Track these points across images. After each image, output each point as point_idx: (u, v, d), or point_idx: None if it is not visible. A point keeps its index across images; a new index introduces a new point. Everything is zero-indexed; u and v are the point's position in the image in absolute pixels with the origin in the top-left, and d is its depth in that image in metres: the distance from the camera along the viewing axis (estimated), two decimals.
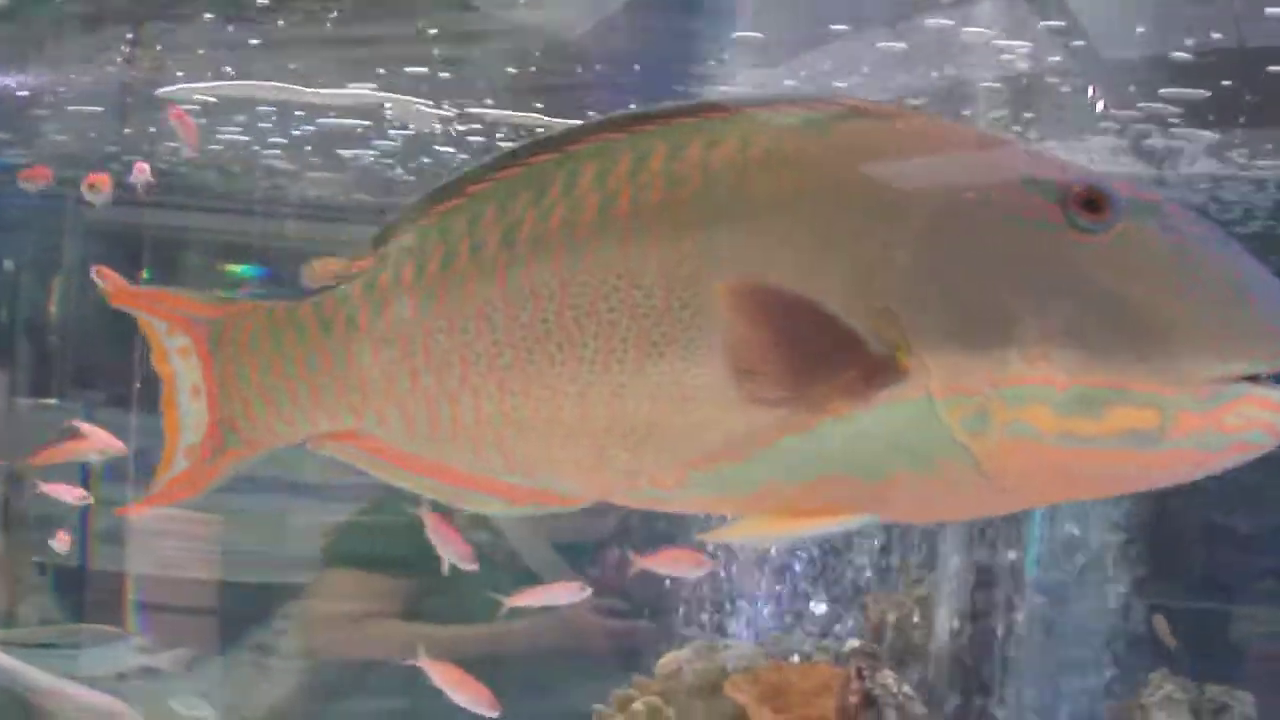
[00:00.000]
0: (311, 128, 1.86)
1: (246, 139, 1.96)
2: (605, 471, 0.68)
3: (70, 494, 1.65)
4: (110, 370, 2.14)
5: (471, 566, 1.34)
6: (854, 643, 1.03)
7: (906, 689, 1.03)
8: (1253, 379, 0.57)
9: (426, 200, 0.72)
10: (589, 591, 1.19)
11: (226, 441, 0.76)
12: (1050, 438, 0.58)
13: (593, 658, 1.77)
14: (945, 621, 1.13)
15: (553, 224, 0.67)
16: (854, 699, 1.03)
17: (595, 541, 1.85)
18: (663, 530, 1.77)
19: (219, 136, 1.95)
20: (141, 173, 1.70)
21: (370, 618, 1.85)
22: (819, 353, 0.60)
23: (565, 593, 1.21)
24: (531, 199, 0.68)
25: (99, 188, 1.61)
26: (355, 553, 1.84)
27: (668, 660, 1.16)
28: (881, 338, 0.60)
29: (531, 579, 1.80)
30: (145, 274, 2.12)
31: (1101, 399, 0.58)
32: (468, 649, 1.79)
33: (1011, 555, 1.18)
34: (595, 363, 0.66)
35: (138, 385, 1.88)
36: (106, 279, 1.55)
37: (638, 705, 1.14)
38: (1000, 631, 1.16)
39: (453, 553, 1.30)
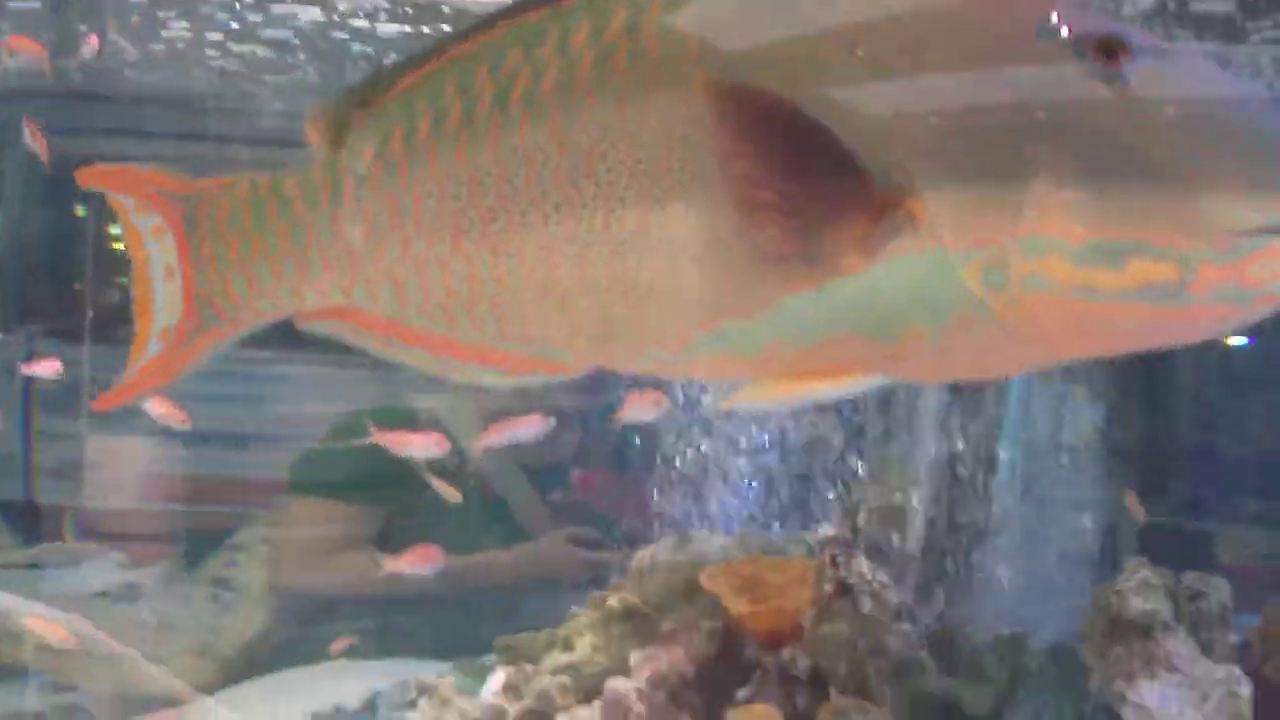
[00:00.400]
0: (259, 16, 1.81)
1: (190, 35, 1.91)
2: (605, 335, 0.67)
3: (48, 368, 1.62)
4: (53, 303, 2.09)
5: (444, 448, 1.32)
6: (827, 530, 1.02)
7: (881, 577, 1.03)
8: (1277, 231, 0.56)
9: (403, 66, 0.70)
10: (553, 421, 1.16)
11: (204, 323, 0.73)
12: (1068, 290, 0.57)
13: (571, 586, 1.77)
14: (920, 514, 1.12)
15: (547, 84, 0.65)
16: (829, 588, 1.03)
17: (559, 464, 1.85)
18: (624, 449, 1.77)
19: (165, 33, 1.90)
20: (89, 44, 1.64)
21: (339, 549, 1.83)
22: (820, 179, 0.58)
23: (527, 427, 1.18)
24: (523, 58, 0.66)
25: (19, 50, 1.55)
26: (322, 480, 1.81)
27: (642, 555, 1.15)
28: (891, 185, 0.58)
29: (498, 502, 1.80)
30: (81, 211, 2.08)
31: (1119, 250, 0.56)
32: (442, 581, 1.79)
33: (984, 451, 1.18)
34: (593, 223, 0.64)
35: (86, 316, 1.85)
36: (33, 132, 1.49)
37: (612, 602, 1.13)
38: (974, 524, 1.16)
39: (422, 446, 1.28)
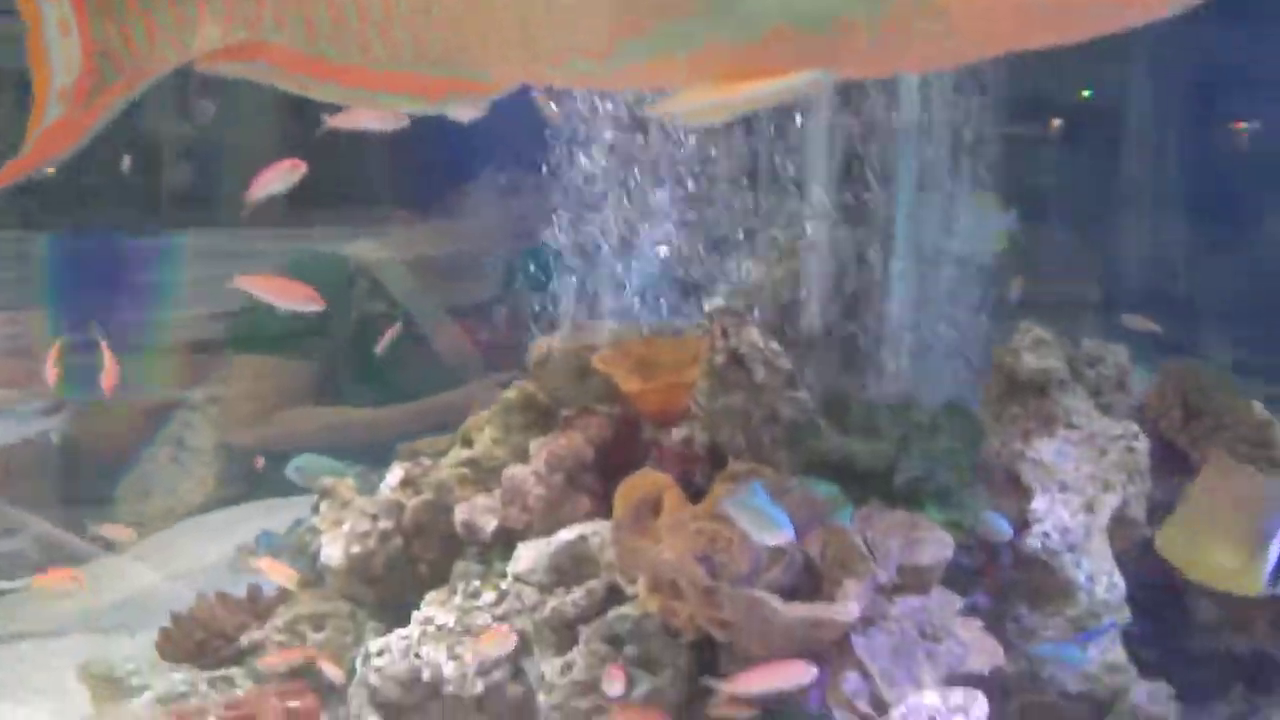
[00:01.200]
0: None
1: None
2: (527, 47, 0.64)
3: None
4: None
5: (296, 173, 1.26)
6: (717, 302, 1.01)
7: (774, 345, 1.02)
8: None
9: None
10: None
11: (105, 77, 0.70)
12: None
13: None
14: (816, 290, 1.11)
15: None
16: (721, 359, 1.02)
17: (485, 304, 1.85)
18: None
19: None
20: None
21: (278, 404, 1.83)
22: None
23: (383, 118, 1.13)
24: None
25: None
26: (259, 336, 1.80)
27: (538, 345, 1.14)
28: None
29: (420, 341, 1.80)
30: None
31: None
32: (384, 430, 1.79)
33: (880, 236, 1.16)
34: None
35: None
36: None
37: (509, 393, 1.13)
38: (874, 302, 1.15)
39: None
